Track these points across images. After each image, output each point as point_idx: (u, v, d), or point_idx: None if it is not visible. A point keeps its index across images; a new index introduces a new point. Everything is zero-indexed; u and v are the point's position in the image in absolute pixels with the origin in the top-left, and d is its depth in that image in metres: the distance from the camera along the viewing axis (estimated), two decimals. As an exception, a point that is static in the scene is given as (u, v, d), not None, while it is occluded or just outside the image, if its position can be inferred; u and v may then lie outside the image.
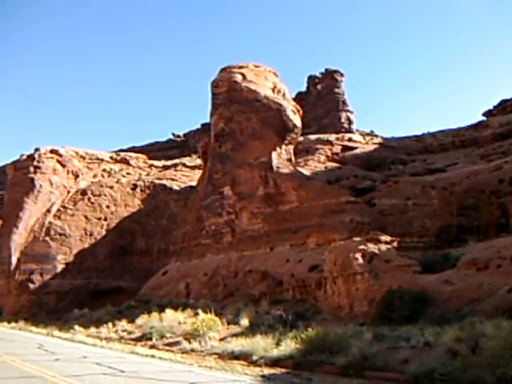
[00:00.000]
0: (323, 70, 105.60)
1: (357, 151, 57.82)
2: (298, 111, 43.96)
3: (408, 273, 24.31)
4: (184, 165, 66.39)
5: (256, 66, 46.12)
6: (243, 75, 44.17)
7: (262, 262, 34.97)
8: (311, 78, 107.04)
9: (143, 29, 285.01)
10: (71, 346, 24.06)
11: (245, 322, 24.63)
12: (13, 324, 41.88)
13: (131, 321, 31.48)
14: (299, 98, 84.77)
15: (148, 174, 63.20)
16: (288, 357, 16.96)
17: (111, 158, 64.22)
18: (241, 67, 45.28)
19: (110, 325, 31.87)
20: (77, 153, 61.11)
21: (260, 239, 37.03)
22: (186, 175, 62.73)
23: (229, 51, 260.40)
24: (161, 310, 31.18)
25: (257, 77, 44.55)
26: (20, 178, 56.68)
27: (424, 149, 60.46)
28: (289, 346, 17.79)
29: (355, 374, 14.19)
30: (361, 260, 25.31)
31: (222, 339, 22.42)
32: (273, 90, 44.17)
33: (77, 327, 33.04)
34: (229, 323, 25.18)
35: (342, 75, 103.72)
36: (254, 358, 17.88)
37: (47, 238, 53.41)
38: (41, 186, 55.41)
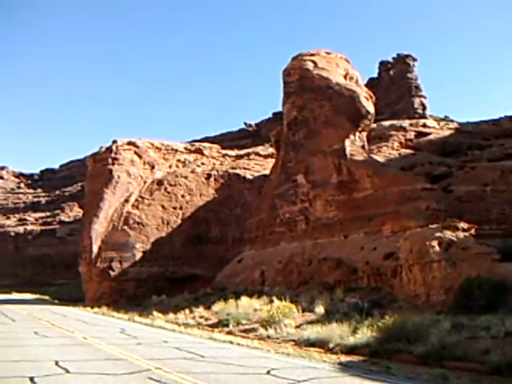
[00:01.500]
0: (395, 55, 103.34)
1: (431, 137, 56.40)
2: (371, 97, 43.32)
3: (487, 261, 23.67)
4: (257, 154, 66.84)
5: (327, 53, 45.70)
6: (315, 63, 43.88)
7: (336, 249, 34.85)
8: (383, 64, 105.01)
9: (215, 19, 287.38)
10: (151, 331, 24.78)
11: (320, 309, 24.65)
12: (95, 309, 43.47)
13: (208, 307, 32.07)
14: (371, 84, 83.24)
15: (222, 164, 63.98)
16: (364, 345, 16.92)
17: (186, 148, 65.35)
18: (312, 55, 44.97)
19: (188, 311, 32.55)
20: (152, 144, 62.54)
21: (334, 227, 36.87)
22: (259, 164, 63.12)
23: (300, 39, 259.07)
24: (236, 297, 31.57)
25: (328, 64, 44.15)
26: (99, 170, 58.61)
27: (502, 133, 58.19)
28: (365, 333, 17.72)
29: (434, 364, 14.02)
30: (437, 248, 24.81)
31: (297, 326, 22.56)
32: (345, 76, 43.65)
33: (156, 313, 33.94)
34: (304, 310, 25.28)
35: (414, 60, 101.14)
36: (331, 345, 17.94)
37: (126, 227, 55.09)
38: (119, 176, 57.10)
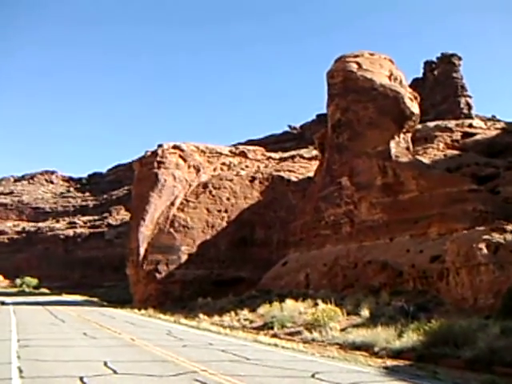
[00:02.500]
0: (439, 55, 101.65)
1: (478, 137, 55.26)
2: (416, 98, 42.78)
3: (536, 263, 23.15)
4: (301, 156, 66.70)
5: (371, 54, 45.37)
6: (358, 64, 43.64)
7: (381, 252, 34.54)
8: (427, 64, 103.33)
9: (258, 19, 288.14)
10: (197, 334, 25.07)
11: (365, 312, 24.47)
12: (142, 311, 44.11)
13: (252, 310, 32.16)
14: (416, 85, 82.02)
15: (266, 166, 64.08)
16: (410, 349, 16.78)
17: (230, 151, 65.69)
18: (356, 56, 44.73)
19: (233, 314, 32.73)
20: (197, 148, 63.07)
21: (379, 229, 36.55)
22: (303, 166, 62.99)
23: (344, 41, 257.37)
24: (281, 299, 31.61)
25: (372, 65, 43.83)
26: (145, 174, 59.44)
27: (550, 132, 56.76)
28: (411, 337, 17.58)
29: (482, 369, 13.79)
30: (485, 250, 24.34)
31: (342, 330, 22.48)
32: (389, 77, 43.27)
33: (201, 315, 34.29)
34: (349, 314, 25.17)
35: (459, 59, 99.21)
36: (376, 349, 17.85)
37: (172, 230, 55.68)
38: (165, 180, 57.76)
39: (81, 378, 11.38)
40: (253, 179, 60.41)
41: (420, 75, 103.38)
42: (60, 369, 12.79)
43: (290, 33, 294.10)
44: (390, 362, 15.99)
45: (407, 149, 40.12)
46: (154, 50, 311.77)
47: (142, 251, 54.70)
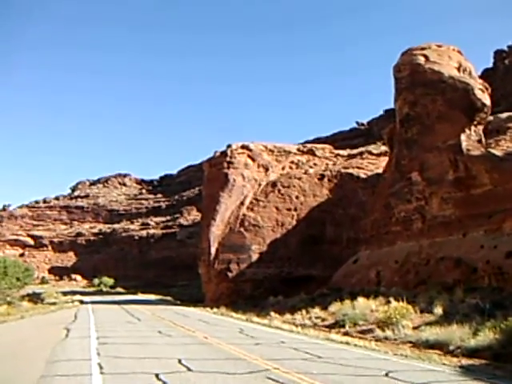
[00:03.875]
0: (510, 43, 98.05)
1: (552, 127, 53.15)
2: (486, 89, 41.49)
3: None
4: (370, 152, 65.91)
5: (438, 46, 44.28)
6: (426, 56, 42.73)
7: (454, 248, 33.75)
8: (498, 53, 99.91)
9: (331, 15, 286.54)
10: (269, 332, 25.30)
11: (438, 310, 24.03)
12: (215, 310, 44.77)
13: (324, 308, 32.08)
14: (486, 75, 79.33)
15: (334, 164, 63.69)
16: (486, 348, 16.42)
17: (298, 149, 65.69)
18: (423, 48, 43.81)
19: (304, 312, 32.74)
20: (265, 147, 63.41)
21: (452, 225, 35.70)
22: (372, 163, 62.22)
23: (411, 34, 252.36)
24: (352, 297, 31.41)
25: (440, 57, 42.79)
26: (215, 174, 60.28)
27: None
28: (487, 336, 17.19)
29: None
30: None
31: (415, 328, 22.22)
32: (458, 69, 42.16)
33: (273, 314, 34.49)
34: (421, 311, 24.75)
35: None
36: (451, 347, 17.58)
37: (242, 229, 56.23)
38: (234, 180, 58.40)
39: (157, 375, 11.77)
40: (321, 177, 60.17)
41: (490, 65, 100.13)
42: (137, 365, 13.28)
43: (356, 28, 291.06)
44: (465, 361, 15.72)
45: (479, 141, 39.02)
46: (225, 53, 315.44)
47: (213, 251, 55.49)
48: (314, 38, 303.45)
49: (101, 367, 12.95)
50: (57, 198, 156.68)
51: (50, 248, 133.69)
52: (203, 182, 67.43)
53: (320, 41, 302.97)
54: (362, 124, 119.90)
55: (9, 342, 20.49)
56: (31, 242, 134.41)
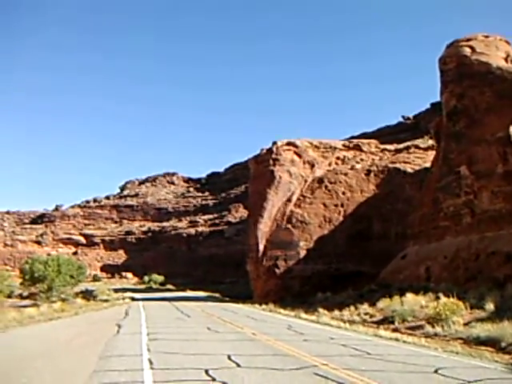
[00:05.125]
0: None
1: None
2: (536, 79, 40.51)
3: None
4: (416, 147, 65.03)
5: (485, 37, 43.39)
6: (472, 48, 41.96)
7: (505, 243, 33.06)
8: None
9: (383, 14, 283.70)
10: (317, 328, 25.41)
11: (490, 306, 23.69)
12: (263, 306, 45.06)
13: (372, 304, 32.02)
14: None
15: (381, 159, 63.14)
16: (541, 345, 16.18)
17: (344, 145, 65.37)
18: (469, 40, 43.02)
19: (352, 308, 32.77)
20: (311, 143, 63.32)
21: (502, 219, 34.95)
22: (419, 157, 61.36)
23: (457, 25, 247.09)
24: (401, 293, 31.24)
25: (487, 48, 41.94)
26: (261, 171, 60.55)
27: None
28: (541, 333, 16.93)
29: None
30: None
31: (465, 324, 21.99)
32: (505, 59, 41.23)
33: (321, 310, 34.56)
34: (472, 307, 24.46)
35: None
36: (503, 344, 17.36)
37: (289, 226, 56.36)
38: (280, 177, 58.54)
39: (206, 371, 12.04)
40: (368, 172, 59.72)
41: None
42: (186, 361, 13.59)
43: (403, 18, 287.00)
44: (517, 359, 15.54)
45: (529, 133, 38.14)
46: (273, 55, 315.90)
47: (261, 248, 55.82)
48: (363, 22, 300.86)
49: (151, 363, 13.33)
50: (107, 198, 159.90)
51: (101, 246, 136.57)
52: (250, 179, 67.77)
53: (368, 25, 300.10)
54: (408, 118, 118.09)
55: (63, 337, 21.16)
56: (83, 240, 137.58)
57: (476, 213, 37.53)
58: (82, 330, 25.12)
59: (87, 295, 60.84)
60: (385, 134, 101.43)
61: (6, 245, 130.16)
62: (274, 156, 60.08)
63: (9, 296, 62.55)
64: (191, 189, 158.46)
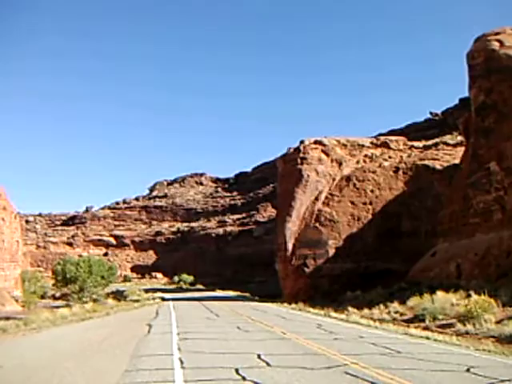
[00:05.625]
0: None
1: None
2: None
3: None
4: (445, 143, 64.31)
5: (515, 30, 42.82)
6: (500, 42, 41.35)
7: (537, 239, 32.70)
8: None
9: (398, 6, 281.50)
10: (347, 327, 25.34)
11: (522, 303, 23.49)
12: (292, 305, 45.08)
13: (402, 302, 31.81)
14: None
15: (409, 156, 62.59)
16: None
17: (371, 143, 64.99)
18: (497, 33, 42.38)
19: (382, 306, 32.62)
20: (338, 141, 63.12)
21: (534, 216, 34.59)
22: (448, 154, 60.68)
23: (486, 20, 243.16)
24: (431, 291, 30.97)
25: (516, 41, 41.38)
26: (289, 170, 60.55)
27: None
28: None
29: None
30: None
31: (497, 322, 21.77)
32: (535, 53, 40.62)
33: (350, 308, 34.48)
34: (504, 305, 24.19)
35: None
36: (538, 343, 17.14)
37: (318, 225, 56.27)
38: (308, 175, 58.46)
39: (236, 370, 12.14)
40: (396, 170, 59.29)
41: None
42: (216, 360, 13.71)
43: (430, 17, 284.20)
44: (552, 357, 15.33)
45: None
46: (299, 45, 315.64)
47: (289, 247, 55.81)
48: (388, 26, 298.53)
49: (182, 362, 13.49)
50: (136, 199, 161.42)
51: (131, 247, 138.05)
52: (277, 178, 67.85)
53: (392, 30, 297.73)
54: (437, 114, 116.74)
55: (95, 337, 21.49)
56: (113, 241, 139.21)
57: (507, 209, 37.05)
58: (114, 330, 25.47)
59: (118, 296, 61.60)
60: (413, 131, 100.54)
61: (38, 246, 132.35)
62: (301, 155, 60.03)
63: (42, 297, 63.77)
64: (219, 189, 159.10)
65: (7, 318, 34.21)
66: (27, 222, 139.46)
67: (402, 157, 62.59)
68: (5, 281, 58.38)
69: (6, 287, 57.29)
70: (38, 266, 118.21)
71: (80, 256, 72.63)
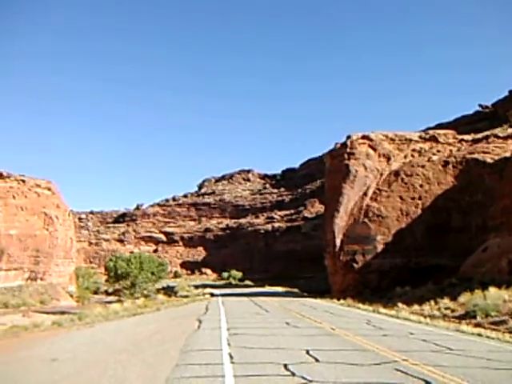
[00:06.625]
0: None
1: None
2: None
3: None
4: (496, 136, 62.87)
5: None
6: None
7: None
8: None
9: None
10: (396, 323, 25.20)
11: None
12: (341, 301, 44.94)
13: (453, 298, 31.43)
14: None
15: (458, 150, 61.49)
16: None
17: (420, 137, 64.14)
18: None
19: (432, 302, 32.27)
20: (386, 136, 62.54)
21: None
22: (498, 147, 59.30)
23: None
24: (483, 287, 30.56)
25: None
26: (336, 166, 60.40)
27: None
28: None
29: None
30: None
31: (553, 319, 21.36)
32: None
33: (400, 304, 34.28)
34: (559, 301, 23.78)
35: None
36: None
37: (366, 220, 55.95)
38: (356, 171, 58.17)
39: (285, 365, 12.32)
40: (445, 164, 58.34)
41: None
42: (265, 356, 13.92)
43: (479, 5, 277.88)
44: None
45: None
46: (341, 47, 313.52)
47: (338, 242, 55.67)
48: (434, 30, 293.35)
49: (231, 357, 13.76)
50: (185, 196, 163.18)
51: (181, 243, 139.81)
52: (325, 174, 67.70)
53: (434, 26, 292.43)
54: (486, 106, 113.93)
55: (146, 332, 22.06)
56: (163, 238, 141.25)
57: (561, 203, 36.23)
58: (164, 325, 26.04)
59: (168, 291, 62.68)
60: (462, 124, 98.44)
61: (90, 243, 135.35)
62: (348, 150, 59.77)
63: (95, 292, 65.53)
64: (267, 185, 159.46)
65: (62, 313, 35.49)
66: (80, 219, 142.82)
67: (451, 150, 61.55)
68: (59, 277, 60.30)
69: (60, 283, 59.20)
70: (91, 263, 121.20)
71: (131, 252, 74.16)
